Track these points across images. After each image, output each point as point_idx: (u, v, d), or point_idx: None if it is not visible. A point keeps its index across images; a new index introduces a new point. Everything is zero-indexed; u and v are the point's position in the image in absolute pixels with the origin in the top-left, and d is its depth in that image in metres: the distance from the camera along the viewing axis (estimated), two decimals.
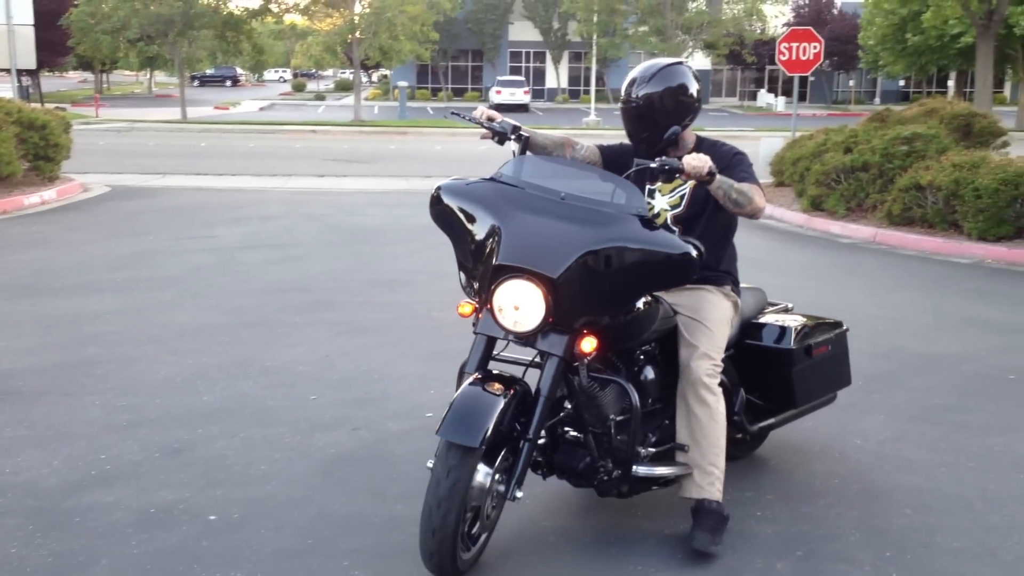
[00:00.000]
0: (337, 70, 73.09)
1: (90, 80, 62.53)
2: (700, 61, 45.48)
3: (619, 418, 3.31)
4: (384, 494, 3.83)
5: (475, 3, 52.85)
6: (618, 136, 3.88)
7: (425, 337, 6.20)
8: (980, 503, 3.88)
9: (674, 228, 3.49)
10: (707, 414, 3.37)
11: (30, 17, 17.50)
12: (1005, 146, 13.10)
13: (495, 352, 3.28)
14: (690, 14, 40.85)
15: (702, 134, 3.72)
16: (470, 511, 3.07)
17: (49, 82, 53.73)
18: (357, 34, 34.54)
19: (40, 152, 13.12)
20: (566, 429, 3.44)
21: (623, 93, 3.55)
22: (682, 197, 3.57)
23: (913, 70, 39.14)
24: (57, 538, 3.43)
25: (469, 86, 56.46)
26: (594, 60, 41.86)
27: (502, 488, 3.11)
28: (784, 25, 39.80)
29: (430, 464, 3.03)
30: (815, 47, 17.20)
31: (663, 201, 3.60)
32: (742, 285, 3.84)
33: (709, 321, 3.47)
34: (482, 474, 3.03)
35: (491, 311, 3.09)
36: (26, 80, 35.87)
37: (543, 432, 3.30)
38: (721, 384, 3.46)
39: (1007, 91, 50.02)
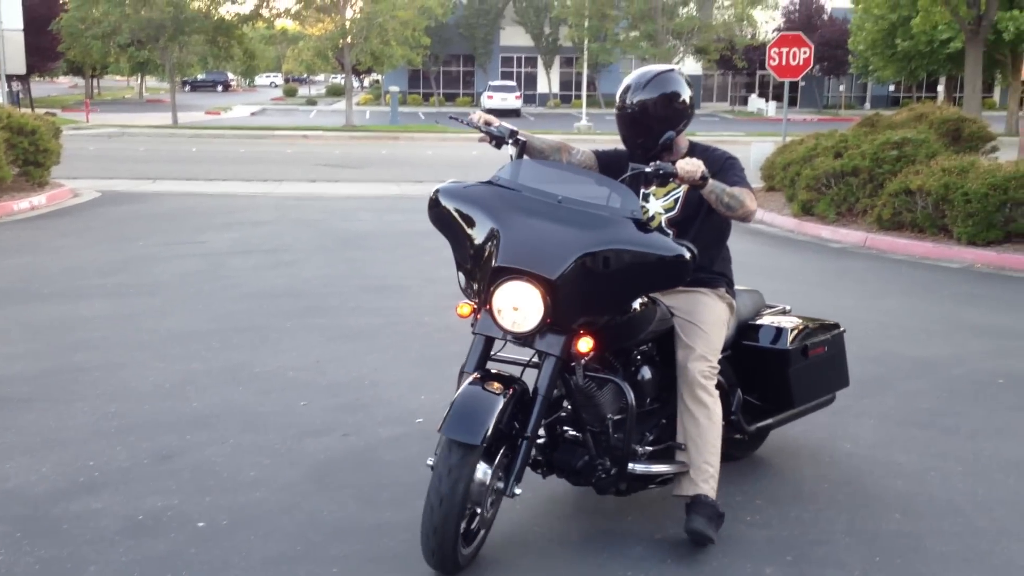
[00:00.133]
0: (329, 75, 73.13)
1: (81, 85, 62.42)
2: (691, 66, 45.60)
3: (616, 417, 3.35)
4: (374, 500, 3.83)
5: (466, 8, 52.93)
6: (610, 140, 3.89)
7: (416, 342, 6.20)
8: (969, 507, 3.89)
9: (668, 231, 3.55)
10: (704, 414, 3.43)
11: (20, 22, 17.48)
12: (994, 151, 13.16)
13: (492, 352, 3.32)
14: (681, 19, 40.99)
15: (694, 139, 3.78)
16: (470, 508, 3.10)
17: (39, 87, 53.66)
18: (348, 39, 34.58)
19: (30, 157, 13.07)
20: (565, 428, 3.49)
21: (618, 99, 3.62)
22: (676, 201, 3.62)
23: (903, 75, 39.40)
24: (45, 545, 3.41)
25: (461, 91, 56.50)
26: (585, 65, 42.02)
27: (501, 485, 3.16)
28: (774, 30, 39.96)
29: (430, 462, 3.09)
30: (805, 52, 17.31)
31: (657, 204, 3.65)
32: (739, 287, 3.88)
33: (705, 323, 3.52)
34: (482, 471, 3.07)
35: (490, 312, 3.14)
36: (16, 85, 35.86)
37: (542, 431, 3.37)
38: (718, 385, 3.53)
39: (996, 96, 50.29)
